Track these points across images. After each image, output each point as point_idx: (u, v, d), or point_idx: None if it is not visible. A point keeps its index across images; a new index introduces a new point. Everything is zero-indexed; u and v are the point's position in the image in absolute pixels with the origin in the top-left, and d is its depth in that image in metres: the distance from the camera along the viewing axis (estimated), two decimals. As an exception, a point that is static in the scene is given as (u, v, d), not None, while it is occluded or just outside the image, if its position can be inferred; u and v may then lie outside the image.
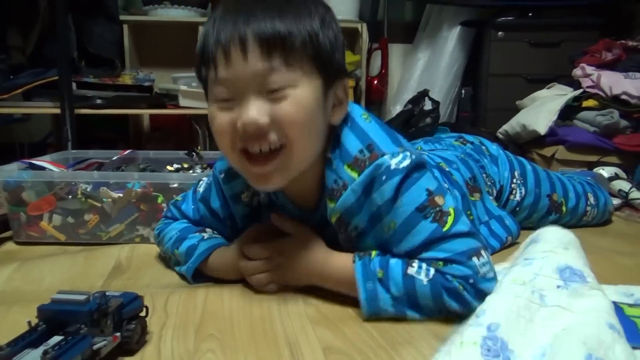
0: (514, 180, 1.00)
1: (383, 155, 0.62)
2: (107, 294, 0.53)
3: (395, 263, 0.62)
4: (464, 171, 0.90)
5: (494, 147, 1.04)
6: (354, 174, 0.63)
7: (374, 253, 0.64)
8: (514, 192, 0.99)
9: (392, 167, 0.61)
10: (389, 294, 0.60)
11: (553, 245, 0.60)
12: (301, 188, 0.69)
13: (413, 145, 0.83)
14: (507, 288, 0.55)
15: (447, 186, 0.80)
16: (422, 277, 0.59)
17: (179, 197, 0.85)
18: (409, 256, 0.62)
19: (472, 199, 0.88)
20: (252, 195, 0.75)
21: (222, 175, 0.75)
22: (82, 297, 0.50)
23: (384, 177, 0.61)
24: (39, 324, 0.50)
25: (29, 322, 0.50)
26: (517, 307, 0.51)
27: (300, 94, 0.59)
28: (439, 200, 0.62)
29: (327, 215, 0.67)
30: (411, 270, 0.60)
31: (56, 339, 0.47)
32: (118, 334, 0.51)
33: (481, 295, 0.57)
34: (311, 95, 0.59)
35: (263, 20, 0.57)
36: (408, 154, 0.63)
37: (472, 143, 1.02)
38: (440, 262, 0.60)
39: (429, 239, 0.60)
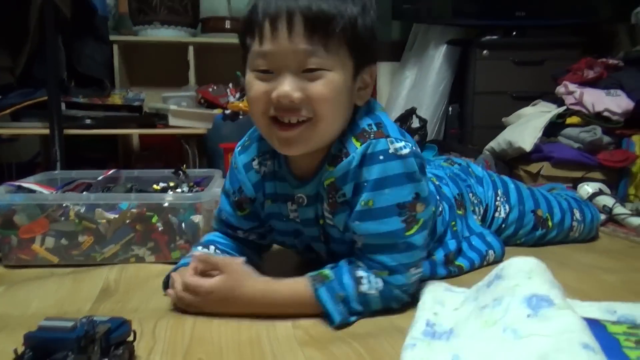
0: (498, 199, 1.02)
1: (387, 137, 0.67)
2: (94, 319, 0.53)
3: (347, 281, 0.67)
4: (452, 187, 0.94)
5: (479, 169, 1.08)
6: (358, 144, 0.67)
7: (328, 275, 0.68)
8: (498, 209, 1.02)
9: (390, 150, 0.66)
10: (352, 310, 0.67)
11: (517, 279, 0.62)
12: (310, 159, 0.72)
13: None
14: (479, 333, 0.56)
15: (437, 198, 0.85)
16: (373, 292, 0.67)
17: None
18: (364, 246, 0.69)
19: (458, 212, 0.92)
20: (260, 163, 0.78)
21: (239, 148, 0.80)
22: (69, 324, 0.50)
23: (381, 157, 0.66)
24: (26, 351, 0.50)
25: (15, 350, 0.50)
26: (491, 348, 0.53)
27: (334, 76, 0.63)
28: (419, 207, 0.68)
29: (321, 182, 0.71)
30: (362, 288, 0.67)
31: (43, 367, 0.47)
32: None
33: (412, 296, 0.71)
34: (343, 78, 0.64)
35: (311, 0, 0.60)
36: (410, 145, 0.68)
37: (459, 164, 1.07)
38: (386, 272, 0.68)
39: (389, 233, 0.67)
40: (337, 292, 0.66)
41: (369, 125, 0.69)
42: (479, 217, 0.98)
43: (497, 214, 1.02)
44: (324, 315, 0.67)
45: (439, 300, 0.70)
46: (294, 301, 0.68)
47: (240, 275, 0.68)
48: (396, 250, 0.68)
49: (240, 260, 0.71)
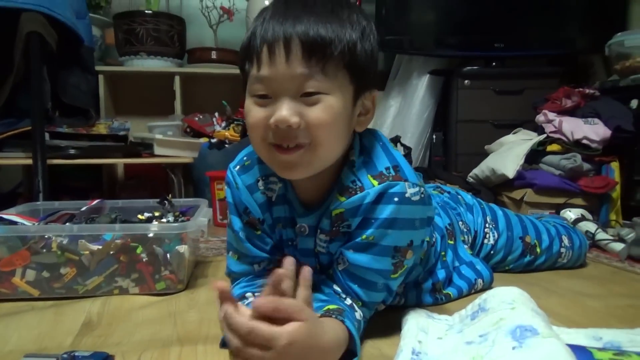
0: (487, 225, 1.04)
1: (406, 180, 0.67)
2: (76, 354, 0.52)
3: (351, 310, 0.67)
4: (444, 217, 0.95)
5: (468, 197, 1.09)
6: (374, 182, 0.68)
7: (339, 306, 0.66)
8: (487, 236, 1.03)
9: (407, 194, 0.66)
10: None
11: (500, 312, 0.63)
12: (315, 184, 0.71)
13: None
14: None
15: (431, 228, 0.86)
16: (361, 319, 0.68)
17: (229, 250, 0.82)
18: (346, 272, 0.69)
19: (449, 242, 0.93)
20: (266, 185, 0.76)
21: (238, 168, 0.78)
22: None
23: (395, 199, 0.66)
24: None
25: None
26: None
27: (332, 100, 0.62)
28: (409, 254, 0.69)
29: (328, 212, 0.70)
30: (358, 315, 0.68)
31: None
32: None
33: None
34: (341, 103, 0.63)
35: (308, 25, 0.60)
36: (422, 190, 0.69)
37: (448, 192, 1.08)
38: (360, 303, 0.70)
39: (378, 271, 0.68)
40: (353, 320, 0.64)
41: (387, 169, 0.68)
42: (469, 245, 0.99)
43: (486, 241, 1.03)
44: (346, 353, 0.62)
45: (422, 327, 0.71)
46: (340, 341, 0.60)
47: (317, 320, 0.58)
48: (373, 289, 0.69)
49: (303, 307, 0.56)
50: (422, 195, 0.68)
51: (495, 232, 1.04)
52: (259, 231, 0.77)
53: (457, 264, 0.92)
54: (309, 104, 0.62)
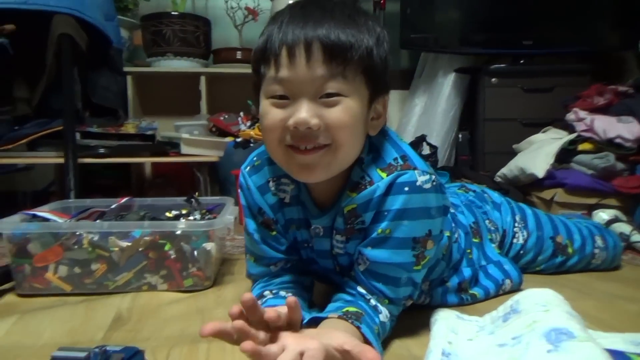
0: (516, 224, 1.01)
1: (415, 168, 0.67)
2: (107, 349, 0.53)
3: (373, 313, 0.66)
4: (467, 215, 0.94)
5: (496, 195, 1.07)
6: (383, 175, 0.67)
7: (358, 310, 0.65)
8: (516, 235, 1.01)
9: (418, 183, 0.66)
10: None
11: (534, 314, 0.62)
12: (330, 185, 0.71)
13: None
14: None
15: (453, 225, 0.84)
16: (386, 320, 0.67)
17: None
18: (367, 272, 0.68)
19: (475, 240, 0.91)
20: (277, 186, 0.76)
21: (248, 168, 0.78)
22: (82, 355, 0.50)
23: (406, 188, 0.65)
24: None
25: None
26: None
27: (350, 102, 0.63)
28: (429, 244, 0.68)
29: (340, 210, 0.70)
30: (382, 317, 0.67)
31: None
32: None
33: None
34: (359, 105, 0.64)
35: (329, 30, 0.61)
36: (433, 177, 0.68)
37: (474, 191, 1.06)
38: (386, 301, 0.68)
39: (400, 264, 0.67)
40: (372, 326, 0.64)
41: (395, 159, 0.69)
42: (497, 244, 0.97)
43: (515, 240, 1.01)
44: None
45: (451, 328, 0.69)
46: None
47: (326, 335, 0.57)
48: (398, 284, 0.68)
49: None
50: (434, 183, 0.67)
51: (524, 231, 1.01)
52: (274, 232, 0.77)
53: (483, 262, 0.91)
54: (329, 105, 0.62)
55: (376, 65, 0.65)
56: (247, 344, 0.50)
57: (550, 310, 0.61)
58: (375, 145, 0.71)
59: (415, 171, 0.66)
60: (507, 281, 0.90)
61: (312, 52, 0.60)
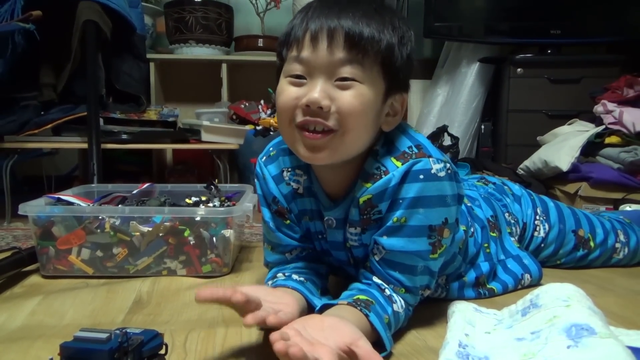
0: (537, 217, 1.00)
1: (430, 156, 0.66)
2: (128, 331, 0.53)
3: (385, 303, 0.66)
4: (485, 208, 0.92)
5: (516, 187, 1.05)
6: (398, 164, 0.67)
7: (369, 298, 0.65)
8: (537, 228, 0.99)
9: (432, 171, 0.66)
10: (392, 332, 0.65)
11: (554, 309, 0.61)
12: (340, 175, 0.71)
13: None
14: None
15: (468, 218, 0.83)
16: (400, 310, 0.67)
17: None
18: (383, 261, 0.68)
19: (492, 234, 0.89)
20: (291, 177, 0.77)
21: (264, 158, 0.80)
22: (103, 336, 0.51)
23: (421, 176, 0.65)
24: None
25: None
26: None
27: (364, 89, 0.63)
28: (445, 233, 0.68)
29: (354, 200, 0.69)
30: (396, 308, 0.66)
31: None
32: None
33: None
34: (373, 94, 0.64)
35: (352, 20, 0.62)
36: (448, 165, 0.67)
37: (494, 184, 1.04)
38: (403, 290, 0.68)
39: (416, 252, 0.67)
40: (382, 315, 0.64)
41: (409, 147, 0.68)
42: (517, 237, 0.96)
43: (536, 233, 0.99)
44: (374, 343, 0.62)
45: (469, 320, 0.69)
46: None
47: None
48: (414, 273, 0.68)
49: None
50: (449, 171, 0.67)
51: (546, 224, 1.00)
52: (287, 220, 0.78)
53: (502, 257, 0.90)
54: (343, 88, 0.63)
55: (396, 61, 0.65)
56: (249, 318, 0.55)
57: (572, 306, 0.60)
58: (389, 138, 0.71)
59: (430, 159, 0.66)
60: (527, 276, 0.89)
61: (334, 37, 0.62)
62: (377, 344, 0.61)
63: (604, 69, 2.06)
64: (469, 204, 0.90)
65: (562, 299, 0.63)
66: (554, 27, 2.13)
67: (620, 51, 2.17)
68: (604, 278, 0.98)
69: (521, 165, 1.83)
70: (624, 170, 1.56)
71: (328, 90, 0.63)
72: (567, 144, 1.69)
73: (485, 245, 0.87)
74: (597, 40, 2.18)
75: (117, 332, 0.52)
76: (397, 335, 0.68)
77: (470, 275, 0.83)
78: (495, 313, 0.73)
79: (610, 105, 1.68)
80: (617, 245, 1.04)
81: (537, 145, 1.87)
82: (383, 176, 0.67)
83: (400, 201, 0.66)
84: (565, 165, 1.62)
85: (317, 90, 0.62)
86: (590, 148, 1.67)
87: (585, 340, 0.52)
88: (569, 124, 1.86)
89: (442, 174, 0.66)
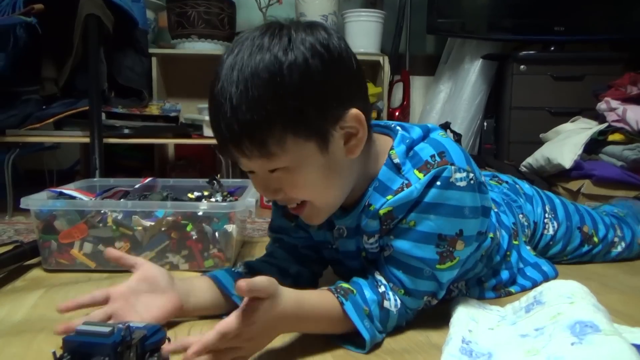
0: (546, 215, 1.00)
1: (452, 164, 0.64)
2: (130, 325, 0.53)
3: (370, 296, 0.65)
4: (509, 215, 0.91)
5: (526, 186, 1.04)
6: (420, 175, 0.64)
7: (350, 287, 0.65)
8: (547, 226, 0.99)
9: (451, 179, 0.63)
10: (377, 327, 0.64)
11: (558, 305, 0.60)
12: (352, 190, 0.70)
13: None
14: None
15: (496, 225, 0.81)
16: (392, 309, 0.66)
17: None
18: (389, 258, 0.67)
19: (514, 242, 0.89)
20: None
21: None
22: (106, 330, 0.50)
23: (438, 183, 0.63)
24: (64, 355, 0.50)
25: (54, 353, 0.50)
26: None
27: (297, 169, 0.61)
28: (459, 245, 0.66)
29: (371, 212, 0.67)
30: (386, 304, 0.65)
31: (81, 371, 0.48)
32: None
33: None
34: (309, 163, 0.61)
35: (231, 121, 0.57)
36: (472, 176, 0.65)
37: (507, 182, 1.03)
38: (402, 291, 0.67)
39: (420, 259, 0.65)
40: (361, 305, 0.63)
41: (432, 156, 0.65)
42: (528, 238, 0.95)
43: (545, 231, 0.99)
44: (353, 334, 0.63)
45: (472, 316, 0.69)
46: (323, 314, 0.62)
47: (276, 290, 0.57)
48: (420, 276, 0.66)
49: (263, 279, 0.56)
50: (472, 181, 0.65)
51: (554, 222, 1.00)
52: (294, 222, 0.78)
53: (521, 265, 0.89)
54: (283, 172, 0.61)
55: (306, 116, 0.58)
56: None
57: (576, 303, 0.60)
58: (412, 145, 0.68)
59: (452, 167, 0.64)
60: (544, 282, 0.89)
61: (231, 151, 0.60)
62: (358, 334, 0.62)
63: (608, 67, 2.05)
64: (496, 210, 0.87)
65: (566, 296, 0.62)
66: (557, 24, 2.13)
67: (624, 49, 2.16)
68: (607, 275, 0.98)
69: (524, 163, 1.83)
70: (627, 168, 1.56)
71: (272, 184, 0.63)
72: (570, 141, 1.68)
73: (507, 253, 0.85)
74: (600, 38, 2.17)
75: (120, 325, 0.52)
76: (399, 332, 0.68)
77: (490, 282, 0.83)
78: (499, 310, 0.73)
79: (614, 103, 1.68)
80: (616, 239, 1.06)
81: (540, 143, 1.87)
82: (405, 189, 0.64)
83: (414, 206, 0.64)
84: (568, 163, 1.61)
85: (262, 191, 0.65)
86: (594, 145, 1.67)
87: (589, 338, 0.52)
88: (572, 122, 1.86)
89: (463, 183, 0.64)
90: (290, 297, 0.58)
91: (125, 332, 0.51)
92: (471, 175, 0.65)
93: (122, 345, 0.50)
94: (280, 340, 0.65)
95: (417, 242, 0.65)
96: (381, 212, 0.66)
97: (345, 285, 0.65)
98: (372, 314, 0.63)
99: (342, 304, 0.62)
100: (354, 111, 0.62)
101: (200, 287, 0.71)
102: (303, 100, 0.58)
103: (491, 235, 0.77)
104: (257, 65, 0.57)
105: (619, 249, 1.06)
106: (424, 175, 0.64)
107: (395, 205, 0.65)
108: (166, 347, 0.55)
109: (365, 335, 0.61)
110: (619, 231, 1.06)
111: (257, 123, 0.57)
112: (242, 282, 0.52)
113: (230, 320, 0.53)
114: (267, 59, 0.57)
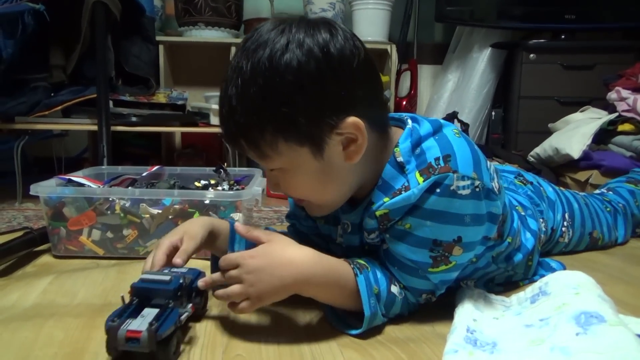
0: (565, 223, 0.99)
1: (455, 172, 0.61)
2: (178, 272, 0.63)
3: (381, 277, 0.65)
4: (537, 219, 0.89)
5: (550, 190, 1.01)
6: (420, 179, 0.62)
7: (366, 264, 0.65)
8: (564, 235, 0.99)
9: (452, 187, 0.61)
10: (380, 309, 0.64)
11: (563, 296, 0.61)
12: (363, 186, 0.69)
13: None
14: (525, 351, 0.55)
15: (517, 230, 0.78)
16: (397, 294, 0.66)
17: None
18: (387, 253, 0.67)
19: (538, 247, 0.88)
20: None
21: None
22: (166, 277, 0.60)
23: (437, 190, 0.61)
24: (133, 299, 0.59)
25: (122, 298, 0.60)
26: None
27: (291, 171, 0.63)
28: (456, 250, 0.64)
29: (371, 210, 0.66)
30: (393, 289, 0.66)
31: (148, 311, 0.56)
32: (191, 305, 0.62)
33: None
34: (304, 168, 0.62)
35: (232, 129, 0.61)
36: (477, 183, 0.62)
37: (531, 184, 1.00)
38: (401, 285, 0.67)
39: (414, 262, 0.65)
40: (372, 283, 0.63)
41: (436, 159, 0.62)
42: (542, 243, 0.94)
43: (561, 239, 0.99)
44: (353, 315, 0.64)
45: (477, 306, 0.69)
46: (336, 280, 0.62)
47: (287, 240, 0.63)
48: (414, 275, 0.66)
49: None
50: (477, 189, 0.62)
51: (571, 230, 1.00)
52: (304, 212, 0.78)
53: (542, 272, 0.87)
54: (282, 173, 0.64)
55: (297, 125, 0.58)
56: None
57: (581, 294, 0.60)
58: (420, 141, 0.65)
59: (455, 175, 0.61)
60: None
61: (237, 146, 0.63)
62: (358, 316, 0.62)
63: (619, 55, 2.02)
64: (522, 213, 0.86)
65: (571, 286, 0.62)
66: (568, 12, 2.10)
67: (636, 37, 2.13)
68: (613, 266, 0.98)
69: (532, 153, 1.82)
70: (636, 159, 1.55)
71: (272, 179, 0.67)
72: (579, 131, 1.67)
73: (530, 257, 0.83)
74: (612, 26, 2.14)
75: (175, 274, 0.62)
76: (404, 321, 0.68)
77: (500, 281, 0.81)
78: (504, 300, 0.73)
79: (625, 92, 1.66)
80: (614, 238, 1.10)
81: (549, 133, 1.85)
82: (403, 192, 0.62)
83: (411, 210, 0.63)
84: (576, 153, 1.60)
85: (267, 181, 0.69)
86: (603, 136, 1.65)
87: (594, 328, 0.52)
88: (582, 111, 1.84)
89: (466, 191, 0.61)
90: (308, 252, 0.62)
91: (182, 279, 0.61)
92: (477, 182, 0.62)
93: (182, 290, 0.61)
94: (286, 327, 0.66)
95: (412, 246, 0.64)
96: (377, 213, 0.65)
97: (361, 261, 0.66)
98: (380, 294, 0.64)
99: (356, 275, 0.62)
100: (352, 120, 0.60)
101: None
102: (294, 108, 0.58)
103: (509, 239, 0.75)
104: (253, 68, 0.58)
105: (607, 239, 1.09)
106: (424, 180, 0.61)
107: (392, 209, 0.63)
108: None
109: (367, 311, 0.61)
110: (620, 231, 1.10)
111: (249, 126, 0.59)
112: (240, 226, 0.64)
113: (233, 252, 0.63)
114: (262, 63, 0.57)
